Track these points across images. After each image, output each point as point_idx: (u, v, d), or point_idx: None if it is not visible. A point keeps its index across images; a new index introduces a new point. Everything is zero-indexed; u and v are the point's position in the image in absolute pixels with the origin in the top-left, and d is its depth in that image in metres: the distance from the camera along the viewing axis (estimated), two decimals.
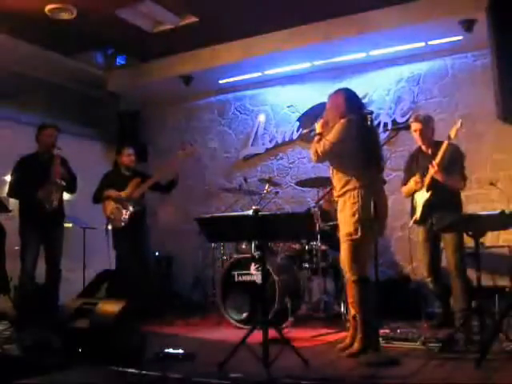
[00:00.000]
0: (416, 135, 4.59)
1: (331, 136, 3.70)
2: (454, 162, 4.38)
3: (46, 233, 5.10)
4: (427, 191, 4.40)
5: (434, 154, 4.38)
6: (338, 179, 3.78)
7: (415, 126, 4.58)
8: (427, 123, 4.56)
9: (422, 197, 4.46)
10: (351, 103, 3.82)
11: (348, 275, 3.77)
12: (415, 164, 4.64)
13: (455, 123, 4.26)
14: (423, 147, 4.59)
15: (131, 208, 5.44)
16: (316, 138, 3.82)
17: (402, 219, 5.94)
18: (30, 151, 5.23)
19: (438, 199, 4.35)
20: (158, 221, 7.20)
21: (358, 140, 3.66)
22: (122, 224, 5.42)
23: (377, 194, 3.70)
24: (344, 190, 3.70)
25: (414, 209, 4.60)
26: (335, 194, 3.86)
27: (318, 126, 3.89)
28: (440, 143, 4.41)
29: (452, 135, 4.24)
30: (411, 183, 4.55)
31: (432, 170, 4.33)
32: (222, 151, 7.27)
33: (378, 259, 4.51)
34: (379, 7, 5.45)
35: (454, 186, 4.40)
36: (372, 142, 3.79)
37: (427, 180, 4.40)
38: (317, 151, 3.73)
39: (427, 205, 4.41)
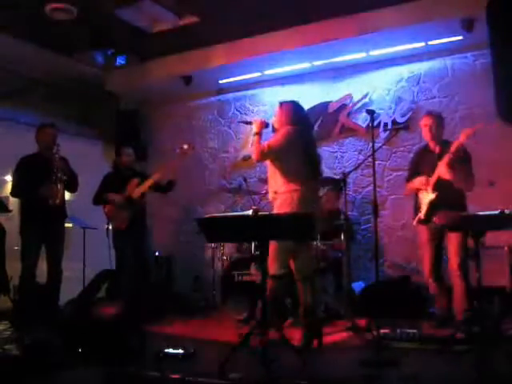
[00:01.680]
0: (426, 130, 4.57)
1: (272, 140, 4.06)
2: (463, 162, 4.37)
3: (48, 232, 5.10)
4: (433, 192, 4.39)
5: (442, 153, 4.37)
6: (275, 181, 4.04)
7: (427, 120, 4.57)
8: (439, 120, 4.56)
9: (427, 196, 4.45)
10: (297, 114, 4.17)
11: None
12: (421, 162, 4.63)
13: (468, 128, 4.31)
14: (431, 145, 4.58)
15: (131, 209, 5.44)
16: (256, 138, 4.12)
17: (402, 219, 5.95)
18: (30, 151, 5.23)
19: (443, 199, 4.34)
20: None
21: (297, 148, 3.99)
22: (122, 225, 5.42)
23: (312, 198, 4.00)
24: (280, 191, 3.97)
25: (417, 208, 4.58)
26: (270, 195, 4.09)
27: (255, 125, 4.18)
28: (448, 143, 4.41)
29: (463, 138, 4.23)
30: (416, 183, 4.55)
31: (440, 170, 4.32)
32: (222, 151, 7.27)
33: (378, 259, 4.53)
34: (379, 7, 5.45)
35: (462, 187, 4.38)
36: (311, 151, 4.12)
37: (433, 179, 4.38)
38: (256, 152, 4.03)
39: (432, 204, 4.39)
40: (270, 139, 4.12)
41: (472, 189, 4.42)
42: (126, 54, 6.68)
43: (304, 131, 4.15)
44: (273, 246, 3.98)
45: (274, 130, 4.26)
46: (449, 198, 4.33)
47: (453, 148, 4.27)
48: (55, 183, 5.05)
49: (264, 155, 4.03)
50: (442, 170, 4.33)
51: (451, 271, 4.40)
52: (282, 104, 4.26)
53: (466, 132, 4.24)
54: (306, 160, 4.02)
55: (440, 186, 4.35)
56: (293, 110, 4.20)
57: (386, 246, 5.99)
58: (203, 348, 3.99)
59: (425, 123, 4.58)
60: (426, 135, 4.62)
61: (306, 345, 3.85)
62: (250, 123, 4.33)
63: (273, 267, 3.97)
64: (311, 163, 4.07)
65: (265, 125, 4.21)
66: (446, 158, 4.30)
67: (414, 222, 4.60)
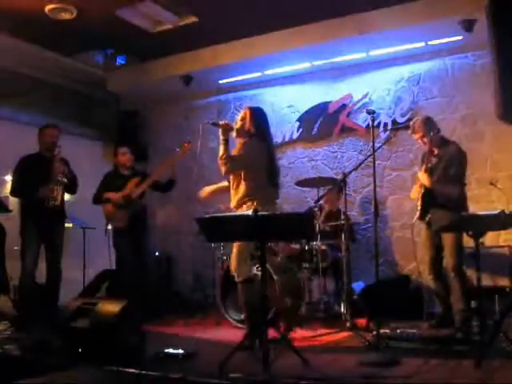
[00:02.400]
0: (421, 142, 4.61)
1: (236, 155, 4.06)
2: (450, 165, 4.38)
3: (47, 232, 5.09)
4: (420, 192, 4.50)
5: (442, 154, 4.42)
6: (236, 191, 4.09)
7: (415, 136, 4.62)
8: (425, 128, 4.53)
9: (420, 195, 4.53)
10: (265, 122, 4.20)
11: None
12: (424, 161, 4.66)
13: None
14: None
15: (130, 208, 5.43)
16: (223, 148, 4.01)
17: (402, 219, 5.96)
18: (30, 151, 5.23)
19: (431, 200, 4.38)
20: (157, 221, 7.22)
21: (265, 157, 4.09)
22: (122, 225, 5.42)
23: (271, 206, 4.03)
24: (241, 201, 4.03)
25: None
26: (232, 204, 4.12)
27: (222, 130, 4.07)
28: (447, 142, 4.44)
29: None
30: (412, 192, 4.71)
31: (420, 175, 4.46)
32: None
33: (378, 259, 4.53)
34: (379, 7, 5.45)
35: (442, 192, 4.38)
36: (275, 160, 4.25)
37: (418, 184, 4.53)
38: (227, 164, 4.01)
39: (422, 203, 4.49)
40: (242, 149, 4.08)
41: (453, 194, 4.39)
42: (125, 54, 6.69)
43: (270, 140, 4.26)
44: (236, 248, 4.04)
45: (237, 134, 4.18)
46: (438, 198, 4.37)
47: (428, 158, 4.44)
48: (54, 185, 5.05)
49: (235, 167, 4.04)
50: (421, 176, 4.47)
51: (447, 272, 4.41)
52: (251, 109, 4.23)
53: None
54: (270, 169, 4.12)
55: (425, 188, 4.46)
56: (262, 117, 4.21)
57: (385, 246, 5.99)
58: (203, 348, 3.99)
59: (415, 138, 4.63)
60: (424, 146, 4.64)
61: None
62: (217, 125, 4.16)
63: (241, 271, 4.00)
64: (273, 172, 4.16)
65: (230, 129, 4.14)
66: (423, 166, 4.45)
67: (414, 220, 4.66)
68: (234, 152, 4.12)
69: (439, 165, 4.42)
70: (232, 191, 4.17)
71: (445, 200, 4.34)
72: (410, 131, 4.71)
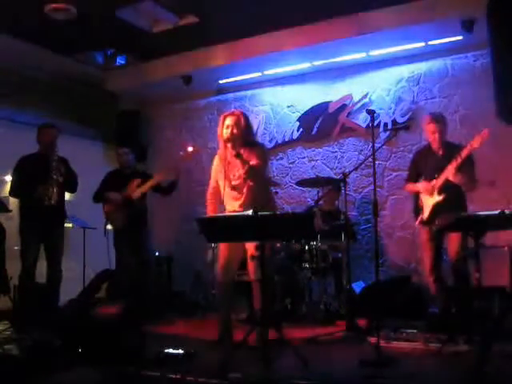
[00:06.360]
0: (434, 136, 4.46)
1: (262, 162, 4.04)
2: (467, 164, 4.34)
3: (47, 232, 5.09)
4: (439, 194, 4.32)
5: (448, 156, 4.31)
6: (259, 194, 4.06)
7: (435, 126, 4.45)
8: (445, 124, 4.51)
9: (432, 199, 4.38)
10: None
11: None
12: (423, 162, 4.59)
13: (480, 133, 4.09)
14: (434, 147, 4.52)
15: (130, 208, 5.43)
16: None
17: (402, 219, 5.96)
18: (29, 151, 5.23)
19: (448, 201, 4.30)
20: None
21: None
22: (121, 225, 5.42)
23: None
24: (265, 200, 4.08)
25: (418, 208, 4.53)
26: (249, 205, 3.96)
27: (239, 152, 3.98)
28: (452, 145, 4.38)
29: (476, 144, 4.08)
30: (420, 188, 4.49)
31: (449, 173, 4.23)
32: None
33: (378, 259, 4.52)
34: (379, 7, 5.46)
35: (467, 188, 4.36)
36: None
37: (440, 182, 4.31)
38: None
39: (437, 207, 4.33)
40: (258, 161, 4.00)
41: (475, 189, 4.40)
42: (125, 54, 6.69)
43: None
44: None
45: (230, 140, 4.01)
46: (453, 200, 4.30)
47: (464, 153, 4.14)
48: (50, 184, 5.05)
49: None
50: (451, 173, 4.22)
51: (450, 271, 4.40)
52: (244, 113, 4.16)
53: (479, 139, 4.07)
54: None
55: (446, 188, 4.30)
56: (250, 123, 4.20)
57: (385, 246, 5.99)
58: (203, 348, 3.98)
59: (432, 130, 4.46)
60: (431, 138, 4.53)
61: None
62: None
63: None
64: None
65: None
66: (454, 162, 4.20)
67: (417, 223, 4.55)
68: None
69: (465, 164, 4.31)
70: (251, 195, 4.06)
71: (458, 198, 4.32)
72: (429, 119, 4.50)
